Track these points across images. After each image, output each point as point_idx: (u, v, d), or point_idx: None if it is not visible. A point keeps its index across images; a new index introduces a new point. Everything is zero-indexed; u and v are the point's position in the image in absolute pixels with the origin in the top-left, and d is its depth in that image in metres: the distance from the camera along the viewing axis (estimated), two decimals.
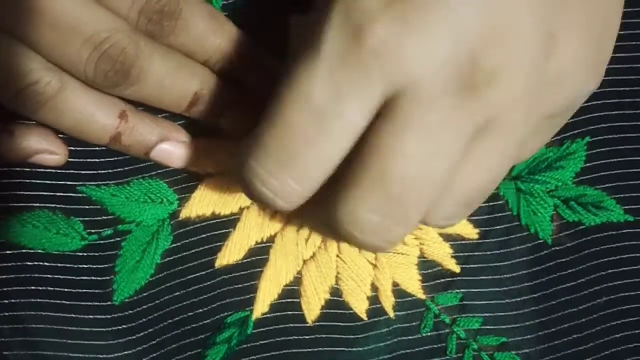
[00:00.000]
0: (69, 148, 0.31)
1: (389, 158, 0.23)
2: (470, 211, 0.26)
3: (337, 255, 0.32)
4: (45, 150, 0.30)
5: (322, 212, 0.25)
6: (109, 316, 0.31)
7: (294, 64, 0.23)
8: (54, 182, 0.31)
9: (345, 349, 0.32)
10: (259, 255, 0.32)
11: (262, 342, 0.32)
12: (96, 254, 0.31)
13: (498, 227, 0.33)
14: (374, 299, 0.32)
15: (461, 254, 0.33)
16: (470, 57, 0.22)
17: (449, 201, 0.25)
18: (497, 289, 0.33)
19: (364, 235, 0.24)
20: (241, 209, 0.32)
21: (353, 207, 0.23)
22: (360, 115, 0.23)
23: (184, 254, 0.32)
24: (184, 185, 0.32)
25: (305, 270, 0.32)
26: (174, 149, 0.31)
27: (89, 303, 0.31)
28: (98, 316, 0.31)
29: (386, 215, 0.23)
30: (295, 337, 0.32)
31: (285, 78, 0.24)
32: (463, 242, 0.33)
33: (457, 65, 0.22)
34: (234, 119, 0.31)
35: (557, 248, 0.33)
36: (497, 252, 0.33)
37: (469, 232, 0.33)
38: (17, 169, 0.31)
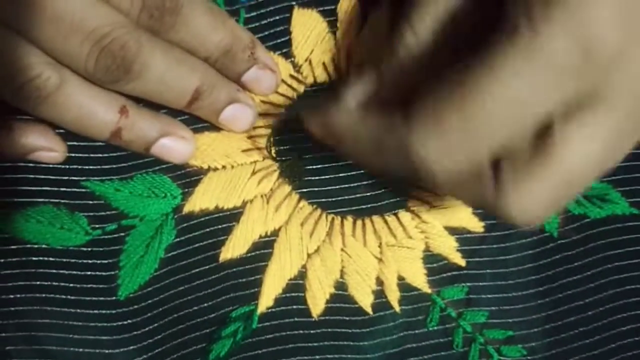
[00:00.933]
0: (73, 143, 0.31)
1: (574, 162, 0.24)
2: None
3: (342, 249, 0.32)
4: (44, 147, 0.30)
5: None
6: (113, 311, 0.31)
7: (500, 57, 0.23)
8: (57, 177, 0.31)
9: (350, 343, 0.32)
10: (263, 249, 0.32)
11: (267, 336, 0.32)
12: (100, 249, 0.31)
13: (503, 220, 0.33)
14: (379, 293, 0.32)
15: (467, 248, 0.33)
16: None
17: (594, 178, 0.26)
18: (503, 283, 0.33)
19: (527, 219, 0.25)
20: (244, 203, 0.32)
21: (526, 197, 0.24)
22: (552, 110, 0.24)
23: (188, 248, 0.31)
24: (187, 180, 0.32)
25: (310, 264, 0.32)
26: (174, 145, 0.31)
27: (94, 298, 0.31)
28: (103, 311, 0.31)
29: (554, 205, 0.25)
30: (300, 331, 0.32)
31: (486, 68, 0.23)
32: (469, 235, 0.33)
33: None
34: (235, 115, 0.31)
35: (562, 241, 0.33)
36: (503, 245, 0.33)
37: (475, 225, 0.33)
38: (21, 164, 0.31)
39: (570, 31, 0.22)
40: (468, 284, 0.33)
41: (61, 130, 0.30)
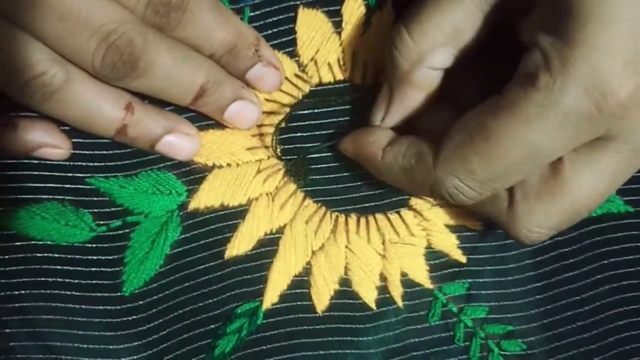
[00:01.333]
0: (78, 140, 0.31)
1: (582, 193, 0.27)
2: None
3: (346, 246, 0.33)
4: (48, 144, 0.30)
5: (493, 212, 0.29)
6: (118, 307, 0.31)
7: (519, 109, 0.25)
8: (62, 174, 0.31)
9: (354, 338, 0.32)
10: (268, 246, 0.32)
11: (272, 332, 0.32)
12: (105, 245, 0.31)
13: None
14: (383, 289, 0.33)
15: (467, 245, 0.33)
16: None
17: None
18: (503, 279, 0.33)
19: (535, 241, 0.29)
20: (250, 200, 0.32)
21: (535, 225, 0.28)
22: (565, 153, 0.27)
23: (193, 245, 0.32)
24: (192, 177, 0.32)
25: (315, 261, 0.32)
26: (179, 142, 0.31)
27: (99, 294, 0.31)
28: (108, 307, 0.31)
29: (558, 229, 0.29)
30: (305, 327, 0.32)
31: (506, 118, 0.25)
32: (469, 233, 0.33)
33: None
34: (239, 112, 0.32)
35: (559, 238, 0.34)
36: (502, 242, 0.33)
37: (475, 223, 0.33)
38: (26, 161, 0.30)
39: (586, 84, 0.24)
40: (469, 280, 0.33)
41: (66, 127, 0.30)
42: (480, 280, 0.33)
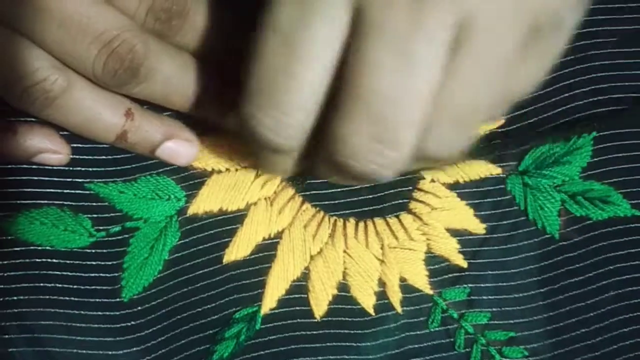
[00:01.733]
0: (77, 145, 0.31)
1: (365, 75, 0.22)
2: (468, 134, 0.25)
3: (345, 251, 0.32)
4: (48, 149, 0.30)
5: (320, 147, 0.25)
6: (117, 313, 0.31)
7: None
8: (61, 179, 0.31)
9: (353, 344, 0.32)
10: (266, 251, 0.32)
11: (270, 337, 0.32)
12: (104, 250, 0.31)
13: (505, 222, 0.33)
14: (382, 295, 0.32)
15: (468, 249, 0.33)
16: None
17: (441, 121, 0.24)
18: (505, 284, 0.33)
19: (358, 161, 0.24)
20: (248, 205, 0.32)
21: (342, 132, 0.23)
22: (330, 36, 0.23)
23: (192, 250, 0.32)
24: (191, 182, 0.32)
25: (313, 266, 0.32)
26: (179, 147, 0.31)
27: (97, 300, 0.31)
28: (106, 313, 0.31)
29: (375, 137, 0.23)
30: (303, 333, 0.32)
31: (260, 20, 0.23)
32: (470, 237, 0.33)
33: None
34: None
35: (564, 243, 0.33)
36: (505, 247, 0.33)
37: (476, 227, 0.33)
38: (25, 166, 0.31)
39: None
40: (470, 285, 0.33)
41: (65, 132, 0.30)
42: (482, 285, 0.33)
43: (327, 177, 0.30)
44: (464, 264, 0.33)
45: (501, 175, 0.34)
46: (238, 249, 0.32)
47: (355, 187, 0.33)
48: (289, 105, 0.24)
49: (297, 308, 0.32)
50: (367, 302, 0.32)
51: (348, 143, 0.23)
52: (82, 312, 0.31)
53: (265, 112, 0.24)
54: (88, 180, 0.31)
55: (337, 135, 0.23)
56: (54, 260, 0.31)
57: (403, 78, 0.22)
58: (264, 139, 0.25)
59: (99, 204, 0.31)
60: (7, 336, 0.30)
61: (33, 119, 0.30)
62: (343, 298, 0.32)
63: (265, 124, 0.24)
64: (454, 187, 0.33)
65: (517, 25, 0.23)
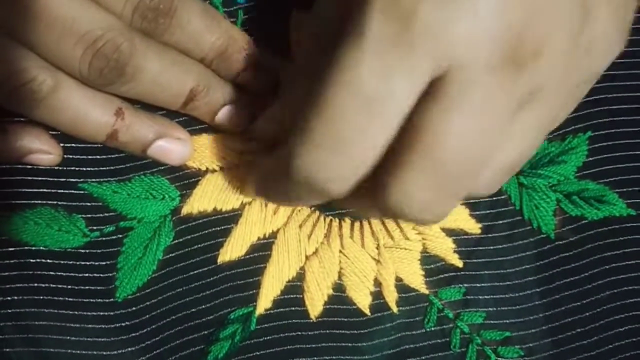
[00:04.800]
0: (70, 145, 0.30)
1: (438, 138, 0.22)
2: (509, 177, 0.26)
3: (340, 251, 0.32)
4: (39, 150, 0.30)
5: (367, 195, 0.24)
6: (111, 313, 0.30)
7: (337, 51, 0.22)
8: (55, 179, 0.30)
9: (348, 344, 0.31)
10: (261, 251, 0.31)
11: (265, 338, 0.31)
12: (98, 250, 0.30)
13: (501, 221, 0.33)
14: (377, 295, 0.32)
15: (464, 249, 0.32)
16: (516, 32, 0.22)
17: (492, 171, 0.25)
18: (501, 284, 0.32)
19: (418, 213, 0.24)
20: (243, 205, 0.31)
21: (406, 187, 0.23)
22: (409, 97, 0.22)
23: (186, 250, 0.31)
24: (185, 182, 0.31)
25: (308, 266, 0.32)
26: (171, 146, 0.30)
27: (92, 300, 0.30)
28: (101, 313, 0.30)
29: (439, 192, 0.23)
30: (299, 333, 0.31)
31: (329, 66, 0.23)
32: (466, 237, 0.32)
33: (502, 41, 0.22)
34: (231, 115, 0.31)
35: (560, 242, 0.33)
36: (500, 246, 0.32)
37: (472, 227, 0.33)
38: (19, 166, 0.30)
39: (384, 7, 0.22)
40: (465, 285, 0.32)
41: (58, 132, 0.30)
42: (478, 285, 0.32)
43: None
44: (459, 263, 0.32)
45: None
46: (233, 249, 0.31)
47: None
48: (353, 158, 0.23)
49: (293, 308, 0.31)
50: (363, 302, 0.32)
51: (412, 197, 0.23)
52: (77, 312, 0.30)
53: (325, 162, 0.23)
54: (82, 180, 0.31)
55: (399, 188, 0.23)
56: (48, 261, 0.30)
57: (473, 142, 0.23)
58: (314, 185, 0.24)
59: (93, 203, 0.31)
60: (2, 336, 0.30)
61: (24, 119, 0.29)
62: (339, 298, 0.32)
63: (322, 172, 0.23)
64: None
65: (569, 86, 0.25)
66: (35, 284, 0.30)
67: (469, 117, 0.22)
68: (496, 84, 0.22)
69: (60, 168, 0.31)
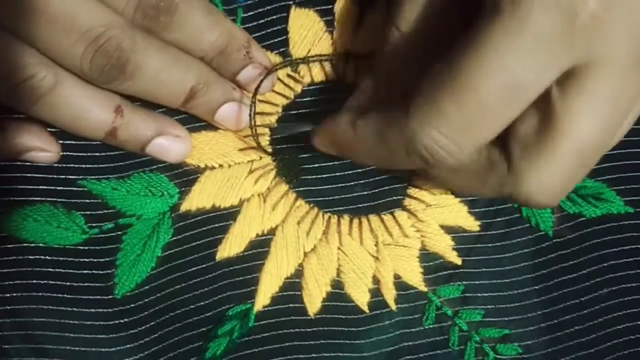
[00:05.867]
0: (69, 142, 0.30)
1: (580, 126, 0.23)
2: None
3: (339, 248, 0.32)
4: (37, 147, 0.30)
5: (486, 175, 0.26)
6: (110, 310, 0.30)
7: (482, 37, 0.23)
8: (54, 176, 0.30)
9: (347, 341, 0.31)
10: (259, 248, 0.31)
11: (263, 334, 0.31)
12: (97, 247, 0.30)
13: (499, 219, 0.33)
14: (376, 292, 0.32)
15: (463, 247, 0.32)
16: None
17: (609, 147, 0.26)
18: (499, 281, 0.32)
19: (547, 200, 0.25)
20: (241, 202, 0.31)
21: (543, 176, 0.24)
22: (549, 81, 0.23)
23: (185, 246, 0.31)
24: (184, 179, 0.31)
25: (307, 263, 0.32)
26: (169, 144, 0.30)
27: (90, 297, 0.30)
28: (99, 310, 0.30)
29: (572, 180, 0.25)
30: (297, 330, 0.31)
31: (466, 52, 0.23)
32: (464, 234, 0.32)
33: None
34: (230, 114, 0.31)
35: (558, 240, 0.33)
36: (499, 244, 0.32)
37: (471, 224, 0.33)
38: (18, 163, 0.30)
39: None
40: (464, 282, 0.32)
41: (57, 129, 0.30)
42: (476, 282, 0.32)
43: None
44: (458, 261, 0.32)
45: None
46: (231, 246, 0.31)
47: (350, 184, 0.32)
48: (480, 137, 0.24)
49: (291, 305, 0.31)
50: (362, 299, 0.32)
51: (548, 186, 0.24)
52: (75, 309, 0.30)
53: (452, 138, 0.24)
54: (81, 177, 0.31)
55: (535, 176, 0.24)
56: (47, 257, 0.30)
57: (606, 132, 0.24)
58: (433, 156, 0.25)
59: (92, 200, 0.31)
60: (1, 333, 0.30)
61: (23, 117, 0.29)
62: (337, 295, 0.31)
63: (445, 147, 0.24)
64: None
65: None
66: (34, 281, 0.30)
67: (606, 106, 0.23)
68: (635, 80, 0.24)
69: (59, 165, 0.31)
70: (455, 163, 0.25)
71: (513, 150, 0.24)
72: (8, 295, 0.30)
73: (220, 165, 0.32)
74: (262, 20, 0.32)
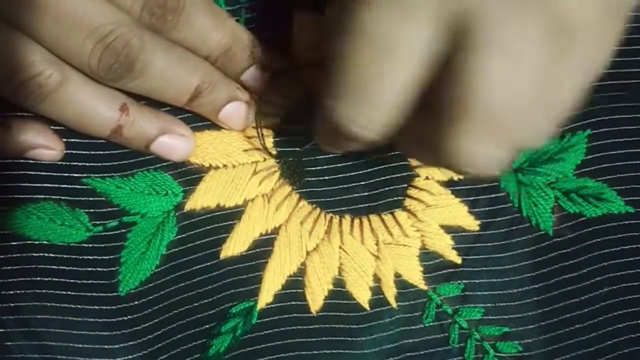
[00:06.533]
0: (74, 140, 0.30)
1: (480, 87, 0.22)
2: (555, 125, 0.25)
3: (340, 247, 0.32)
4: (41, 145, 0.30)
5: (426, 146, 0.25)
6: (114, 307, 0.30)
7: (347, 6, 0.23)
8: (59, 173, 0.30)
9: (348, 338, 0.32)
10: (263, 247, 0.31)
11: (266, 331, 0.31)
12: (101, 245, 0.31)
13: (499, 218, 0.33)
14: (377, 290, 0.32)
15: (462, 246, 0.32)
16: None
17: (539, 117, 0.23)
18: (499, 280, 0.32)
19: (478, 167, 0.23)
20: (245, 201, 0.32)
21: (460, 143, 0.23)
22: (425, 38, 0.22)
23: (189, 245, 0.31)
24: (188, 178, 0.31)
25: (309, 262, 0.32)
26: (174, 142, 0.31)
27: (94, 294, 0.30)
28: (103, 307, 0.30)
29: (494, 142, 0.23)
30: (299, 327, 0.31)
31: (341, 21, 0.23)
32: (464, 233, 0.33)
33: None
34: (234, 113, 0.31)
35: (558, 239, 0.33)
36: (499, 243, 0.33)
37: (470, 223, 0.33)
38: (22, 161, 0.30)
39: None
40: (464, 281, 0.32)
41: (62, 127, 0.30)
42: (476, 281, 0.32)
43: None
44: (458, 260, 0.33)
45: None
46: (235, 245, 0.31)
47: (351, 185, 0.32)
48: (379, 102, 0.23)
49: (293, 303, 0.31)
50: (363, 297, 0.32)
51: (468, 152, 0.23)
52: (79, 306, 0.30)
53: (354, 109, 0.23)
54: (85, 175, 0.31)
55: (454, 145, 0.23)
56: (51, 255, 0.30)
57: (517, 83, 0.22)
58: (351, 133, 0.24)
59: (96, 198, 0.31)
60: (4, 330, 0.30)
61: (27, 114, 0.29)
62: (339, 293, 0.32)
63: (354, 119, 0.24)
64: (448, 184, 0.33)
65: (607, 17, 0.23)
66: (38, 278, 0.30)
67: (503, 57, 0.21)
68: (520, 20, 0.21)
69: (63, 163, 0.31)
70: (376, 136, 0.24)
71: (434, 120, 0.23)
72: (12, 292, 0.30)
73: (225, 165, 0.32)
74: (265, 21, 0.32)
